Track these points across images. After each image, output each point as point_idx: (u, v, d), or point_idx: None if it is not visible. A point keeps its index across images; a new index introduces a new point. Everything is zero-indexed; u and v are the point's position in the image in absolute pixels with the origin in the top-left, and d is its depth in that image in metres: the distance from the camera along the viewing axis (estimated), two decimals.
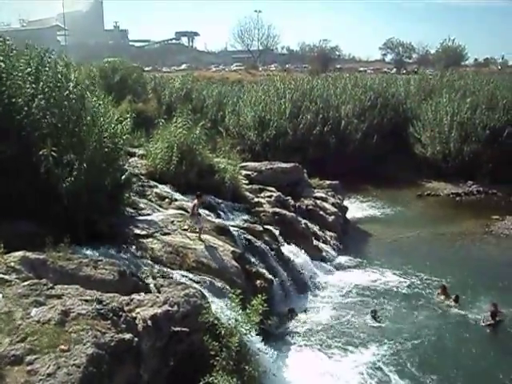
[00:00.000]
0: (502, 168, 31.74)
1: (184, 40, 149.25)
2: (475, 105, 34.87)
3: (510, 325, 15.33)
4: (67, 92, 13.15)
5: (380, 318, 15.60)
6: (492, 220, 25.97)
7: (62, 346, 7.26)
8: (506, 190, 31.02)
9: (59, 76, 13.42)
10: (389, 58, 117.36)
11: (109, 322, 8.12)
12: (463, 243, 23.16)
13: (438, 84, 43.67)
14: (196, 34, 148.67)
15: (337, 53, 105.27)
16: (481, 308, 16.24)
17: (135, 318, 8.84)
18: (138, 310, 9.21)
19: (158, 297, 9.97)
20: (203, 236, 14.66)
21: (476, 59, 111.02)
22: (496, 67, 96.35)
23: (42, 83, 12.89)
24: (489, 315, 15.40)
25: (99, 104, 14.44)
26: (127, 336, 8.09)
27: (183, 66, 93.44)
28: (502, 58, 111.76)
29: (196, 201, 15.22)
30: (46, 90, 12.84)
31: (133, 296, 9.65)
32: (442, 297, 16.86)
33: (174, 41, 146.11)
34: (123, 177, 14.43)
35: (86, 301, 8.40)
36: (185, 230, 15.02)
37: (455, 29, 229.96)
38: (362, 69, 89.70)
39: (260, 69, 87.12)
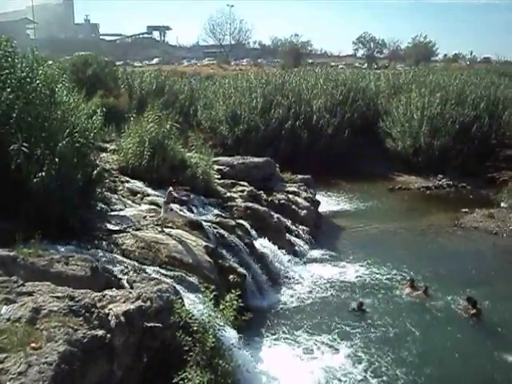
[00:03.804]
0: (471, 162, 32.33)
1: (156, 34, 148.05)
2: (445, 100, 35.25)
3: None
4: (36, 86, 13.01)
5: (365, 310, 15.79)
6: (461, 213, 26.34)
7: (34, 344, 7.18)
8: (475, 183, 31.55)
9: (28, 70, 13.28)
10: (360, 53, 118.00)
11: (81, 318, 8.04)
12: (434, 236, 23.47)
13: (408, 79, 44.04)
14: (168, 28, 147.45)
15: (309, 48, 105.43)
16: (451, 299, 16.54)
17: (108, 314, 8.77)
18: (110, 305, 9.14)
19: (130, 292, 9.91)
20: (173, 230, 14.65)
21: (445, 55, 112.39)
22: (465, 63, 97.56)
23: (9, 76, 12.73)
24: (468, 306, 15.71)
25: (70, 99, 14.30)
26: (100, 332, 8.03)
27: (155, 61, 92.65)
28: (471, 54, 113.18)
29: (171, 188, 15.40)
30: (15, 83, 12.69)
31: (105, 292, 9.57)
32: (409, 289, 17.08)
33: (145, 35, 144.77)
34: (95, 172, 14.30)
35: (58, 297, 8.31)
36: (157, 225, 14.98)
37: (425, 25, 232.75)
38: (333, 64, 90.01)
39: (232, 63, 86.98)
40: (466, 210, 26.77)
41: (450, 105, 34.70)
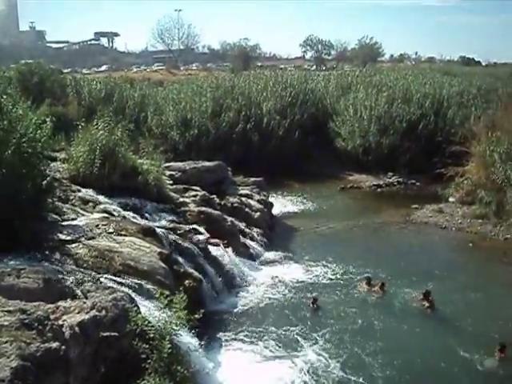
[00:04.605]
0: (419, 159, 33.04)
1: (104, 41, 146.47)
2: (391, 99, 36.05)
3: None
4: None
5: (319, 306, 16.06)
6: (412, 209, 26.99)
7: None
8: (424, 179, 32.30)
9: None
10: (309, 55, 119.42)
11: (34, 331, 7.93)
12: (386, 233, 24.00)
13: (355, 79, 44.75)
14: (116, 34, 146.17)
15: (257, 51, 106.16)
16: (406, 293, 16.96)
17: (62, 326, 8.66)
18: (64, 317, 9.02)
19: (85, 302, 9.79)
20: (127, 238, 14.56)
21: (392, 55, 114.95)
22: (410, 62, 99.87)
23: None
24: (422, 299, 16.18)
25: (16, 108, 14.05)
26: (54, 345, 7.93)
27: (104, 67, 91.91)
28: (416, 54, 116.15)
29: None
30: None
31: (59, 303, 9.43)
32: (366, 286, 17.40)
33: (93, 41, 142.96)
34: (44, 182, 14.07)
35: (9, 312, 8.16)
36: (110, 233, 14.84)
37: (371, 26, 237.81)
38: (282, 66, 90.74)
39: (182, 68, 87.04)
40: (416, 205, 27.45)
41: (397, 104, 35.45)
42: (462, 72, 59.75)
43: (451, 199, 27.68)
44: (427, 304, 15.98)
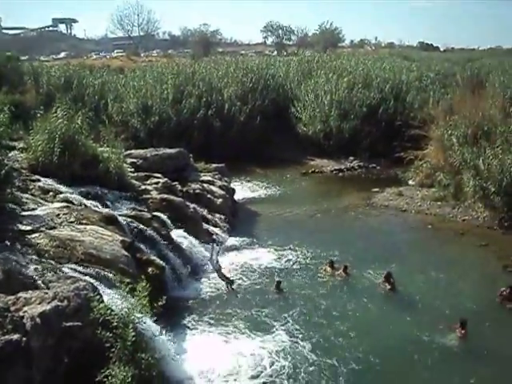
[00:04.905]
0: (380, 143, 33.58)
1: (62, 27, 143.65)
2: (352, 84, 36.45)
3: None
4: None
5: (283, 289, 16.25)
6: (373, 193, 27.42)
7: None
8: (385, 163, 32.93)
9: None
10: (270, 40, 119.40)
11: None
12: (348, 216, 24.28)
13: (316, 65, 44.95)
14: (74, 20, 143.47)
15: (218, 36, 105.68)
16: (368, 275, 17.27)
17: (23, 317, 8.60)
18: (25, 308, 8.95)
19: (46, 293, 9.72)
20: (88, 227, 14.46)
21: (352, 41, 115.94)
22: (370, 48, 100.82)
23: None
24: (383, 281, 16.48)
25: None
26: (14, 337, 7.88)
27: (62, 54, 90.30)
28: (376, 39, 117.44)
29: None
30: None
31: (19, 294, 9.34)
32: (329, 269, 17.60)
33: (51, 28, 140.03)
34: (3, 172, 13.86)
35: None
36: (71, 222, 14.70)
37: (332, 12, 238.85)
38: (243, 52, 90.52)
39: (142, 55, 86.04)
40: (377, 189, 27.90)
41: (357, 89, 35.83)
42: (421, 57, 60.72)
43: (411, 182, 28.21)
44: (389, 285, 16.30)
